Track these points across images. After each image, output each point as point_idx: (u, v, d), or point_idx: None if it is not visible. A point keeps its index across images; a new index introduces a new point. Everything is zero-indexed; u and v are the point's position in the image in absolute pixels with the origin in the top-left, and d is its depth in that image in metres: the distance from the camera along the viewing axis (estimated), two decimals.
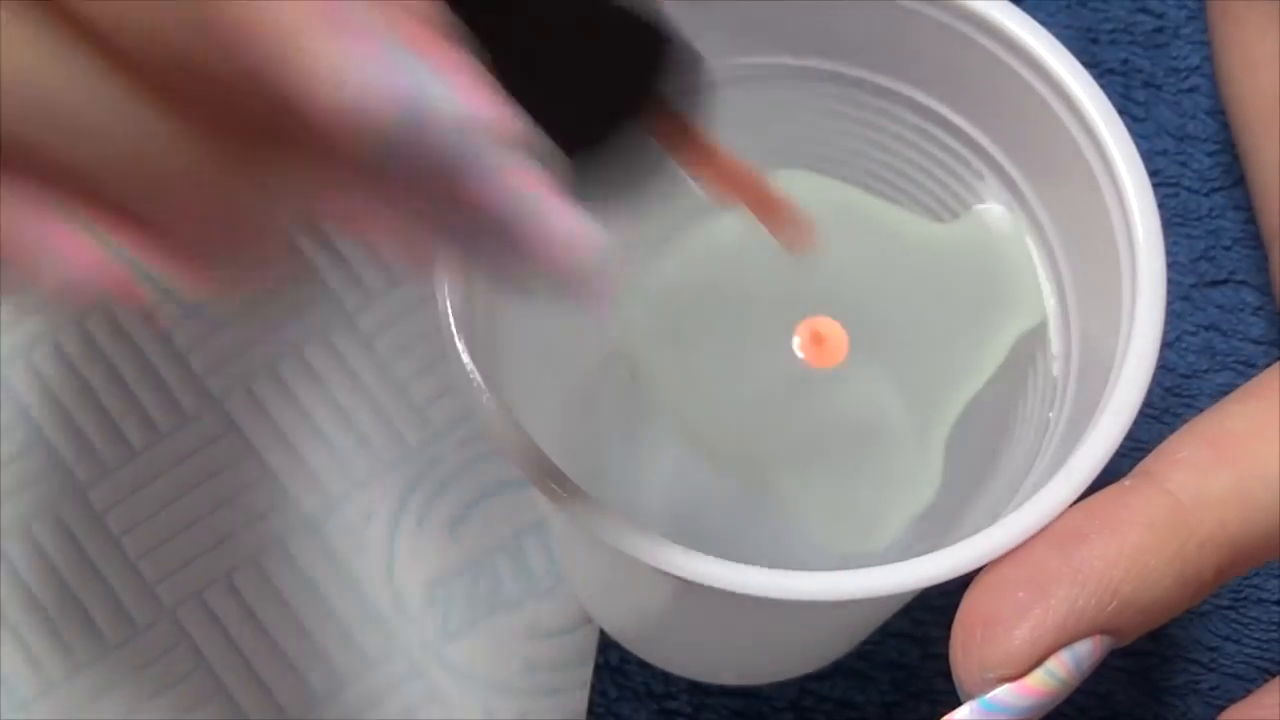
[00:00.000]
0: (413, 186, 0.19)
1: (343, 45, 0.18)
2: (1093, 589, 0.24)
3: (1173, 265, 0.37)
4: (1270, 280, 0.34)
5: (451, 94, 0.18)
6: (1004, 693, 0.24)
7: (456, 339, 0.25)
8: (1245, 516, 0.24)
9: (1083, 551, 0.24)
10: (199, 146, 0.19)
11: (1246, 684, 0.35)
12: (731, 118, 0.30)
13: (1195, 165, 0.38)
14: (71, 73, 0.18)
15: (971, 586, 0.25)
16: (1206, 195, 0.38)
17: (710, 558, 0.24)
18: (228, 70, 0.18)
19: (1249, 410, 0.25)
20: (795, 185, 0.29)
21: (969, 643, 0.24)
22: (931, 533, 0.29)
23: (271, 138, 0.19)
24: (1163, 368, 0.36)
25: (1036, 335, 0.29)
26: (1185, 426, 0.25)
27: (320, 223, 0.20)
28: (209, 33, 0.18)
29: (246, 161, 0.19)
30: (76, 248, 0.20)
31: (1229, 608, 0.35)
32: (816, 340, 0.29)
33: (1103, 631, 0.24)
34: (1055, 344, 0.29)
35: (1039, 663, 0.24)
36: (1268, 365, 0.36)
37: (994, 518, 0.25)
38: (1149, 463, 0.25)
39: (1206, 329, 0.37)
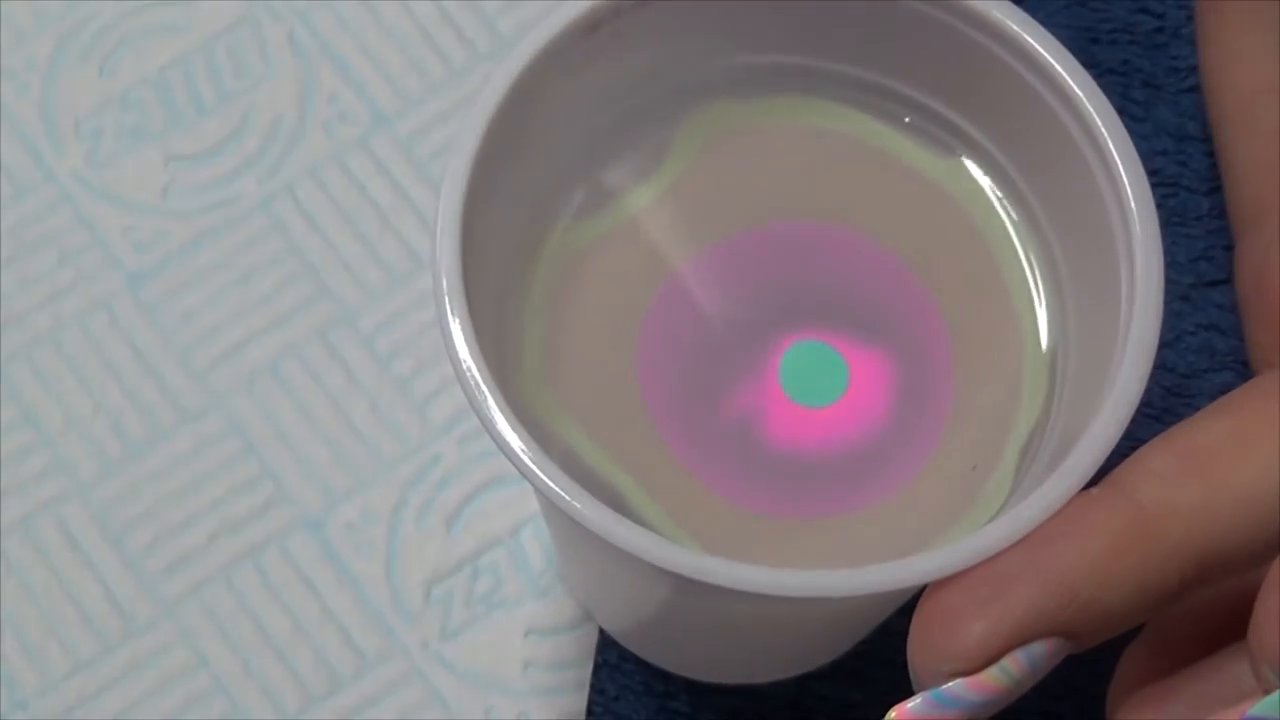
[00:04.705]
0: None
1: None
2: (1053, 591, 0.24)
3: (1172, 265, 0.37)
4: (1233, 270, 0.34)
5: None
6: (957, 687, 0.24)
7: (456, 338, 0.25)
8: (1211, 530, 0.24)
9: (1046, 554, 0.24)
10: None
11: None
12: (730, 117, 0.30)
13: (1195, 165, 0.38)
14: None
15: (934, 581, 0.25)
16: (1206, 195, 0.38)
17: (709, 555, 0.24)
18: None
19: (1221, 426, 0.25)
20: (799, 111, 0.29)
21: (927, 635, 0.24)
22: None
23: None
24: (1162, 368, 0.36)
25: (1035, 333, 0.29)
26: (1156, 438, 0.26)
27: None
28: None
29: None
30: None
31: None
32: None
33: (1060, 634, 0.24)
34: (1053, 343, 0.29)
35: (994, 660, 0.24)
36: None
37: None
38: (1119, 472, 0.25)
39: (1206, 329, 0.37)
